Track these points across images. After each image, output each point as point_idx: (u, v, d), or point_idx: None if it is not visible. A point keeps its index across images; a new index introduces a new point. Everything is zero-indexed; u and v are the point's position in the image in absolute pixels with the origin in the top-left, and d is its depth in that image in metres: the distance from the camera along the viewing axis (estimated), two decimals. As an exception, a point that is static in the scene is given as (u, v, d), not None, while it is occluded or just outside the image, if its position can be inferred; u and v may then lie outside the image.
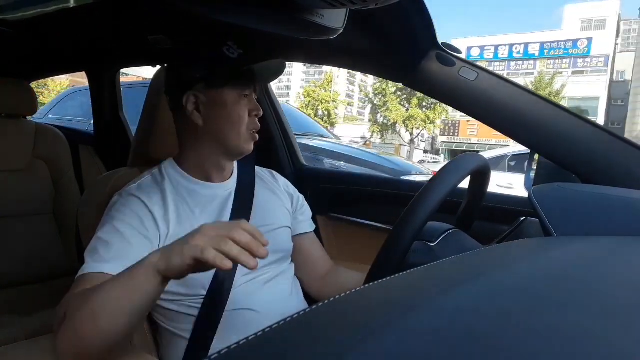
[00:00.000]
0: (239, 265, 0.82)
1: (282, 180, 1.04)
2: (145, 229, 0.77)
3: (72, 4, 1.46)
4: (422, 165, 5.11)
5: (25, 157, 1.58)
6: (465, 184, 0.76)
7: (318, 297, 1.00)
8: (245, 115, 0.85)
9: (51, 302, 1.45)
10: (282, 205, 0.98)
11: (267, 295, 0.85)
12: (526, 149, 1.01)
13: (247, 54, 0.84)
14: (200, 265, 0.57)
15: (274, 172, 1.05)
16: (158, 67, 1.52)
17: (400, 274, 0.37)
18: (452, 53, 1.01)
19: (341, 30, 0.81)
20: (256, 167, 0.99)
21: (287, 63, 0.97)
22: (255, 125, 0.87)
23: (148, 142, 0.97)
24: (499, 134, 1.03)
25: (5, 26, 1.51)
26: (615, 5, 30.83)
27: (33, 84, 2.06)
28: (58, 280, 1.57)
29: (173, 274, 0.59)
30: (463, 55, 1.02)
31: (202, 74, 0.84)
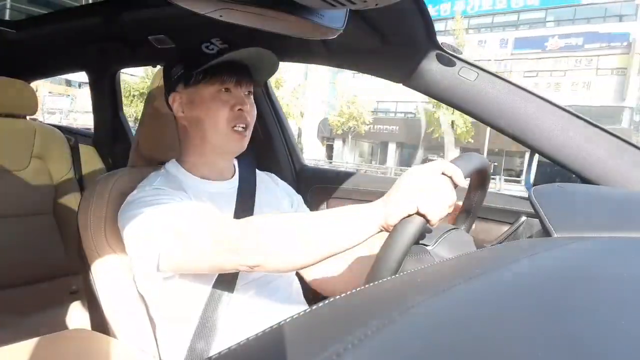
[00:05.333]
0: None
1: (281, 183, 1.04)
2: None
3: (72, 4, 1.46)
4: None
5: (25, 157, 1.58)
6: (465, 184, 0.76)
7: (321, 293, 0.99)
8: (224, 109, 0.82)
9: (51, 302, 1.46)
10: (282, 206, 0.98)
11: (267, 297, 0.85)
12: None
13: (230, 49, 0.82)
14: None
15: (273, 175, 1.05)
16: (158, 67, 1.53)
17: (398, 275, 0.37)
18: (452, 53, 1.01)
19: (341, 31, 0.81)
20: (256, 170, 0.99)
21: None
22: (240, 120, 0.83)
23: (148, 142, 0.97)
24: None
25: (5, 26, 1.51)
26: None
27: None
28: (58, 280, 1.57)
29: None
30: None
31: (179, 73, 0.84)
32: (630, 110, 18.94)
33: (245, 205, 0.89)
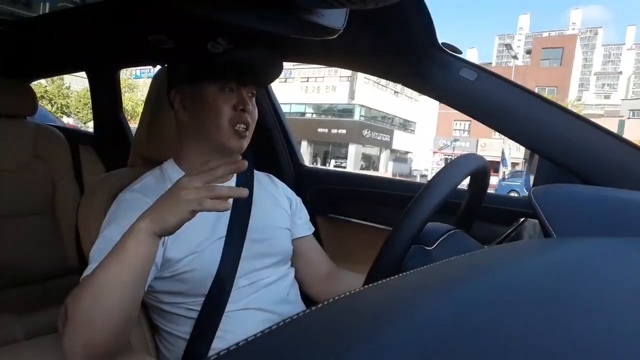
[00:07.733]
0: (239, 268, 0.83)
1: (281, 184, 1.04)
2: None
3: (72, 3, 1.46)
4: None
5: (24, 157, 1.58)
6: (464, 184, 0.76)
7: (319, 300, 1.00)
8: (226, 108, 0.82)
9: (51, 302, 1.46)
10: (280, 208, 0.98)
11: (266, 298, 0.85)
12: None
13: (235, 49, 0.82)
14: (194, 215, 0.62)
15: (272, 176, 1.04)
16: (158, 67, 1.52)
17: (397, 275, 0.37)
18: (452, 53, 1.00)
19: (341, 30, 0.81)
20: (255, 171, 0.98)
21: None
22: (241, 120, 0.83)
23: (148, 142, 0.97)
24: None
25: (5, 26, 1.51)
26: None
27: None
28: (58, 280, 1.57)
29: (170, 232, 0.63)
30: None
31: (183, 70, 0.85)
32: (360, 107, 27.01)
33: (242, 206, 0.88)
